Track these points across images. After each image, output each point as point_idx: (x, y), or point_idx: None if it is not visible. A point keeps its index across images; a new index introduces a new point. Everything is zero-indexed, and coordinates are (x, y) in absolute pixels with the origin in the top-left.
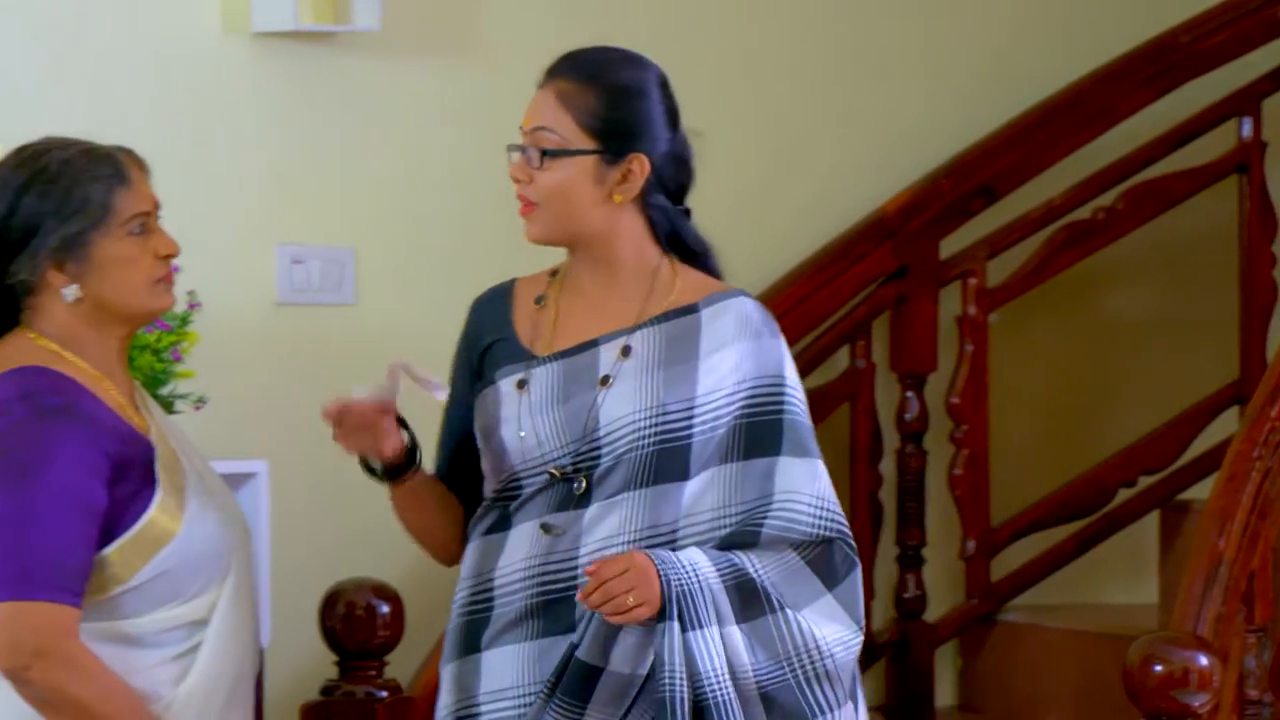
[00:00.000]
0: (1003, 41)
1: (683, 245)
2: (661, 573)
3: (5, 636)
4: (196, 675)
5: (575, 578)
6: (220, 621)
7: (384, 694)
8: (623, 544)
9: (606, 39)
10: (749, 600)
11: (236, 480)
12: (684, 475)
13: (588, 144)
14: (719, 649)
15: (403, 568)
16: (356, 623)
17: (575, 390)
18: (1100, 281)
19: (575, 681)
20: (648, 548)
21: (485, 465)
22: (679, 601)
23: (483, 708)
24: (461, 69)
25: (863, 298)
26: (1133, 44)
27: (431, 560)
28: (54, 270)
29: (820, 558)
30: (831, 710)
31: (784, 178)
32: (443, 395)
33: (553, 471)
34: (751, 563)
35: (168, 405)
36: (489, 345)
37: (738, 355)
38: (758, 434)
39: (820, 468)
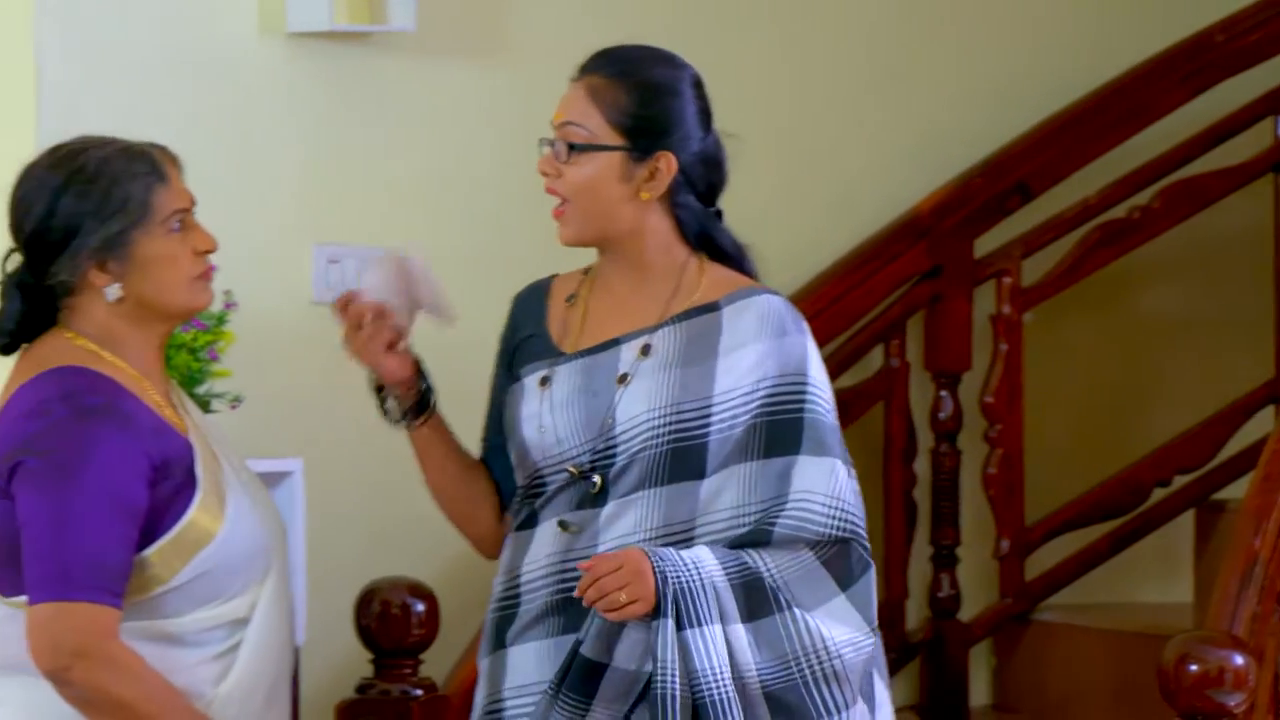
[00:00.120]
0: (1037, 40)
1: (715, 247)
2: (657, 570)
3: (46, 638)
4: (237, 674)
5: None
6: (261, 620)
7: (419, 692)
8: (638, 541)
9: (640, 39)
10: (756, 599)
11: (272, 479)
12: (700, 474)
13: (615, 140)
14: (719, 647)
15: (437, 566)
16: (391, 621)
17: (595, 388)
18: (1135, 280)
19: (580, 678)
20: (663, 546)
21: (513, 460)
22: (676, 599)
23: (507, 703)
24: (497, 69)
25: (897, 297)
26: (1168, 43)
27: (466, 558)
28: (95, 270)
29: (835, 558)
30: (839, 711)
31: (818, 177)
32: (443, 318)
33: (571, 469)
34: (764, 562)
35: (204, 404)
36: (521, 340)
37: (758, 353)
38: (778, 432)
39: (838, 467)
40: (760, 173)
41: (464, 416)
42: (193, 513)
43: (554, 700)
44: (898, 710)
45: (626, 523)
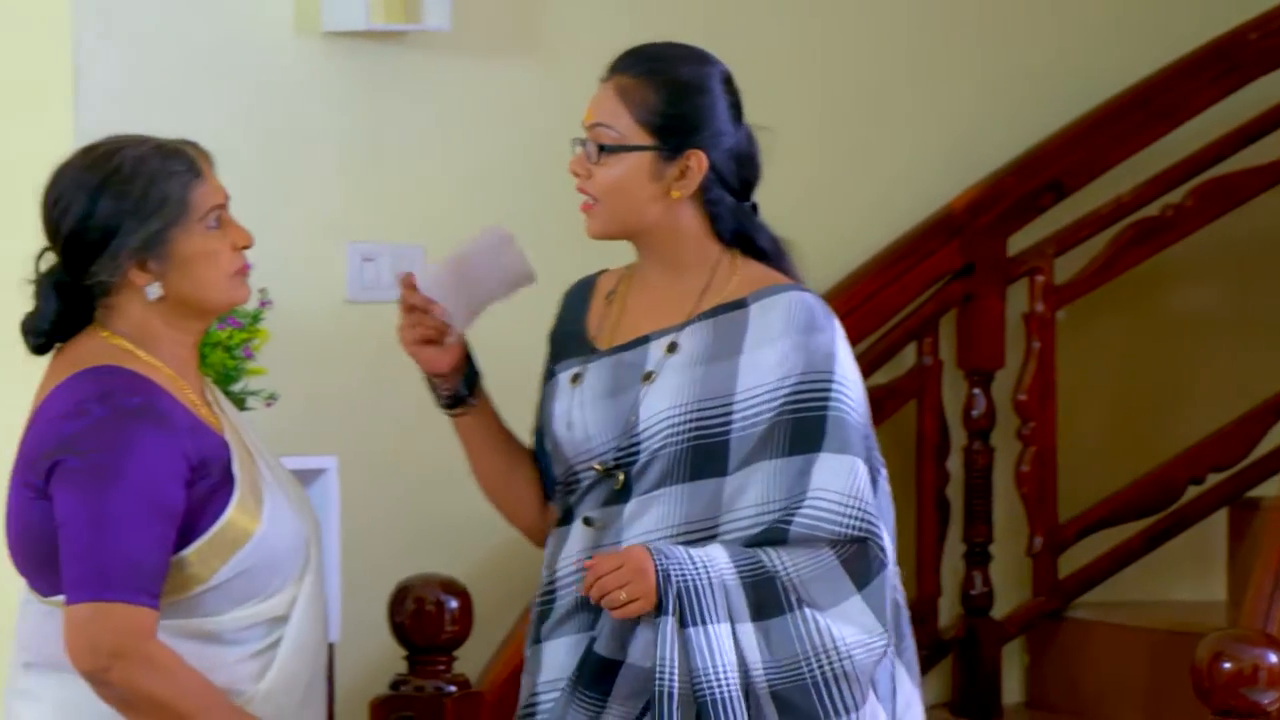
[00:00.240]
0: (1070, 38)
1: (752, 244)
2: (660, 568)
3: (84, 639)
4: (276, 671)
5: None
6: (299, 618)
7: (453, 689)
8: (660, 539)
9: (674, 37)
10: (766, 598)
11: (307, 476)
12: (722, 471)
13: (645, 140)
14: (724, 646)
15: (471, 563)
16: (425, 618)
17: (622, 386)
18: (1168, 278)
19: (595, 675)
20: (685, 543)
21: (550, 456)
22: (679, 597)
23: (540, 697)
24: (532, 68)
25: (930, 295)
26: (1201, 41)
27: (500, 555)
28: (136, 269)
29: (854, 557)
30: (848, 712)
31: (851, 175)
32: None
33: (597, 467)
34: (780, 560)
35: (239, 402)
36: (563, 336)
37: (783, 350)
38: (801, 430)
39: (858, 465)
40: (793, 171)
41: (514, 408)
42: (230, 512)
43: (571, 697)
44: (930, 708)
45: (649, 520)
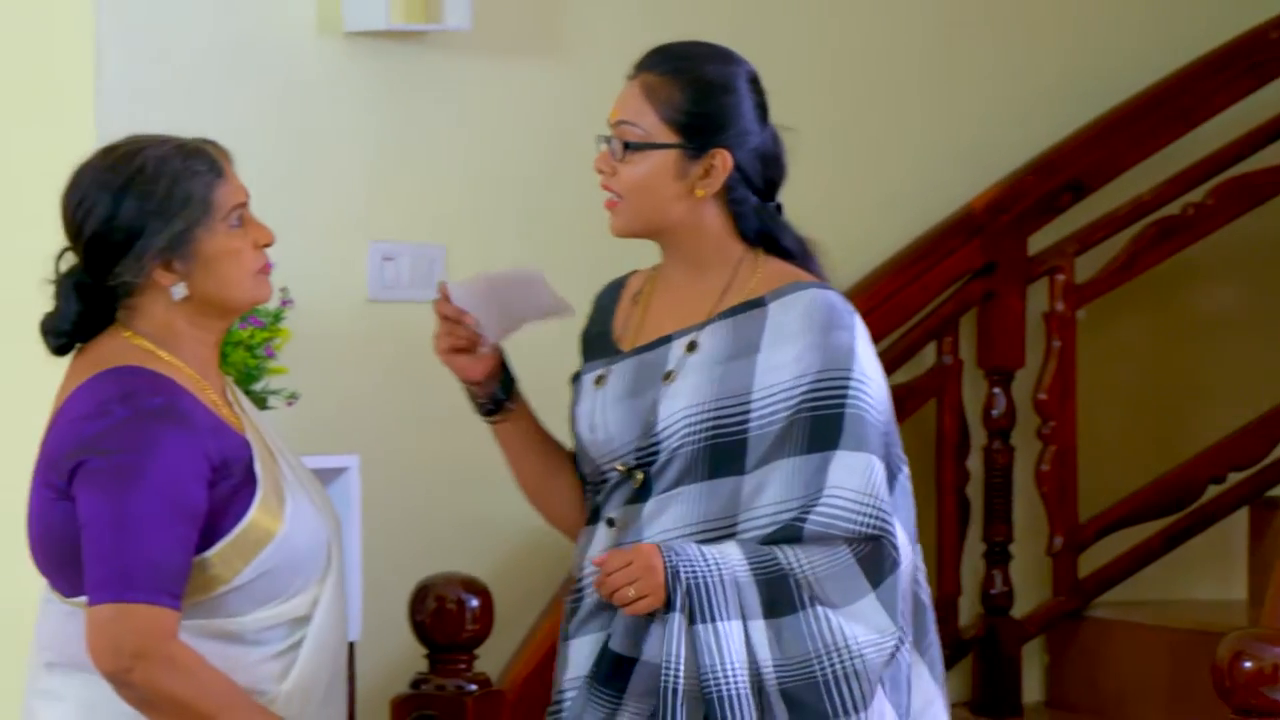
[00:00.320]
0: (1090, 37)
1: (776, 243)
2: (669, 565)
3: (106, 640)
4: (299, 671)
5: None
6: (321, 618)
7: (473, 687)
8: (679, 537)
9: (694, 37)
10: (779, 596)
11: (328, 475)
12: (740, 470)
13: (669, 138)
14: (735, 643)
15: (492, 562)
16: (446, 616)
17: (643, 386)
18: (1189, 277)
19: (610, 672)
20: (703, 541)
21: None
22: (689, 594)
23: (565, 694)
24: (552, 67)
25: (950, 294)
26: (1222, 40)
27: (521, 554)
28: (161, 270)
29: (870, 555)
30: (856, 711)
31: (871, 174)
32: (552, 317)
33: (619, 467)
34: (796, 558)
35: (260, 401)
36: (591, 338)
37: (801, 348)
38: (819, 427)
39: (874, 463)
40: (812, 171)
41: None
42: (253, 513)
43: (588, 694)
44: (950, 707)
45: (668, 519)
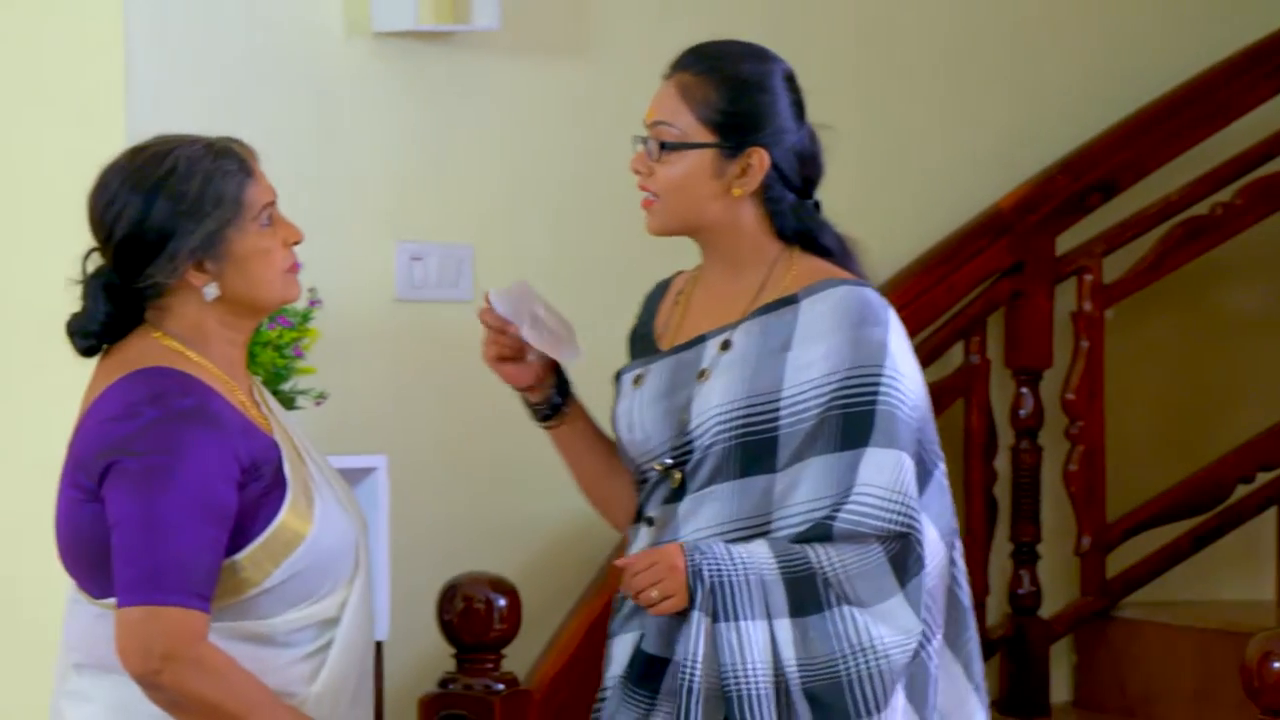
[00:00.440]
0: (1118, 37)
1: (815, 242)
2: (691, 565)
3: (135, 642)
4: (328, 673)
5: None
6: (349, 619)
7: (501, 687)
8: (712, 536)
9: (721, 36)
10: (806, 595)
11: (356, 475)
12: (772, 468)
13: (706, 137)
14: (757, 642)
15: (520, 561)
16: (474, 616)
17: (678, 386)
18: (1217, 277)
19: (643, 672)
20: (736, 540)
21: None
22: (712, 592)
23: (607, 691)
24: (580, 67)
25: (978, 293)
26: (1250, 40)
27: (548, 554)
28: (193, 270)
29: (900, 554)
30: (878, 710)
31: (899, 174)
32: (568, 356)
33: (657, 466)
34: (827, 556)
35: (289, 401)
36: (635, 338)
37: (832, 345)
38: (850, 425)
39: (904, 460)
40: (838, 171)
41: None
42: (283, 515)
43: (622, 694)
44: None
45: (702, 517)
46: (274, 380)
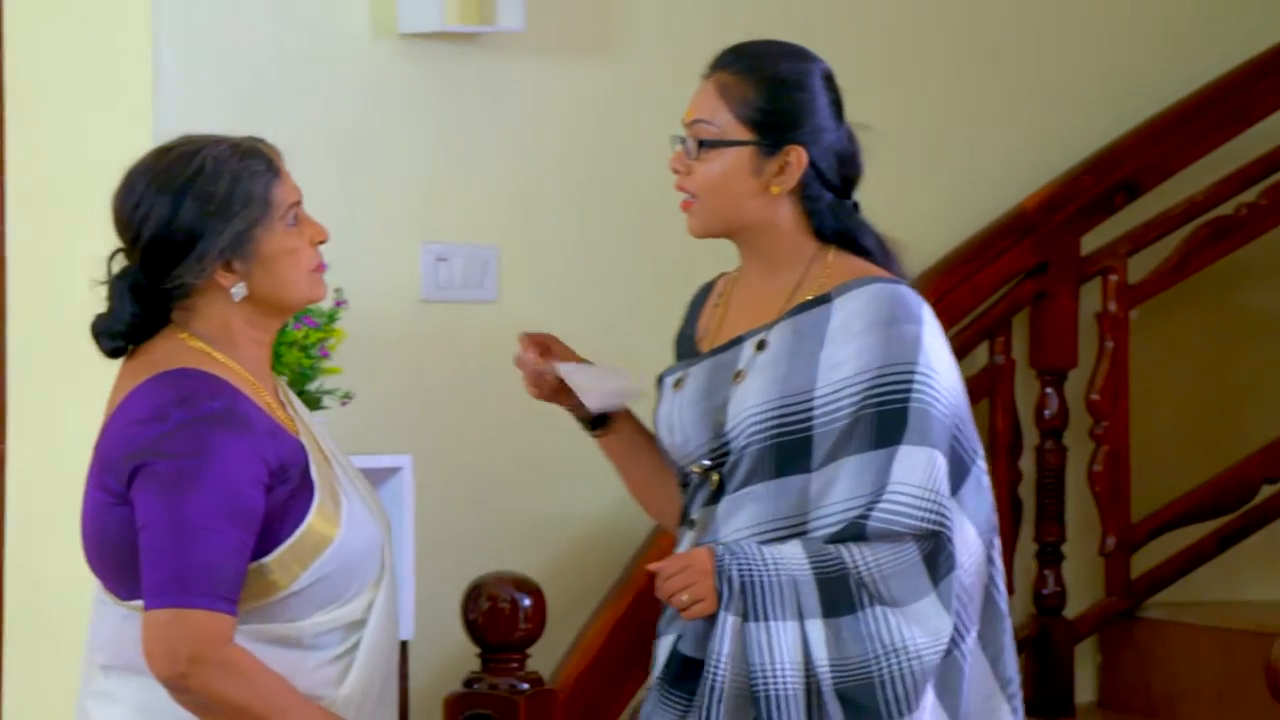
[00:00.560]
0: (1142, 38)
1: (854, 242)
2: (720, 568)
3: (163, 645)
4: (355, 676)
5: None
6: (375, 621)
7: (526, 686)
8: (749, 537)
9: (749, 36)
10: (839, 595)
11: (381, 475)
12: (807, 468)
13: (744, 135)
14: (787, 643)
15: (545, 561)
16: (499, 616)
17: (716, 387)
18: (1242, 278)
19: (679, 673)
20: (772, 540)
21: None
22: (742, 593)
23: (650, 692)
24: (606, 68)
25: (1002, 294)
26: (1276, 39)
27: (573, 553)
28: (222, 271)
29: (932, 553)
30: (910, 710)
31: (923, 175)
32: (623, 397)
33: (696, 468)
34: (861, 556)
35: (315, 401)
36: (680, 341)
37: (864, 343)
38: (884, 422)
39: (936, 458)
40: (867, 171)
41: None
42: (311, 518)
43: (659, 695)
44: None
45: (741, 518)
46: (300, 380)
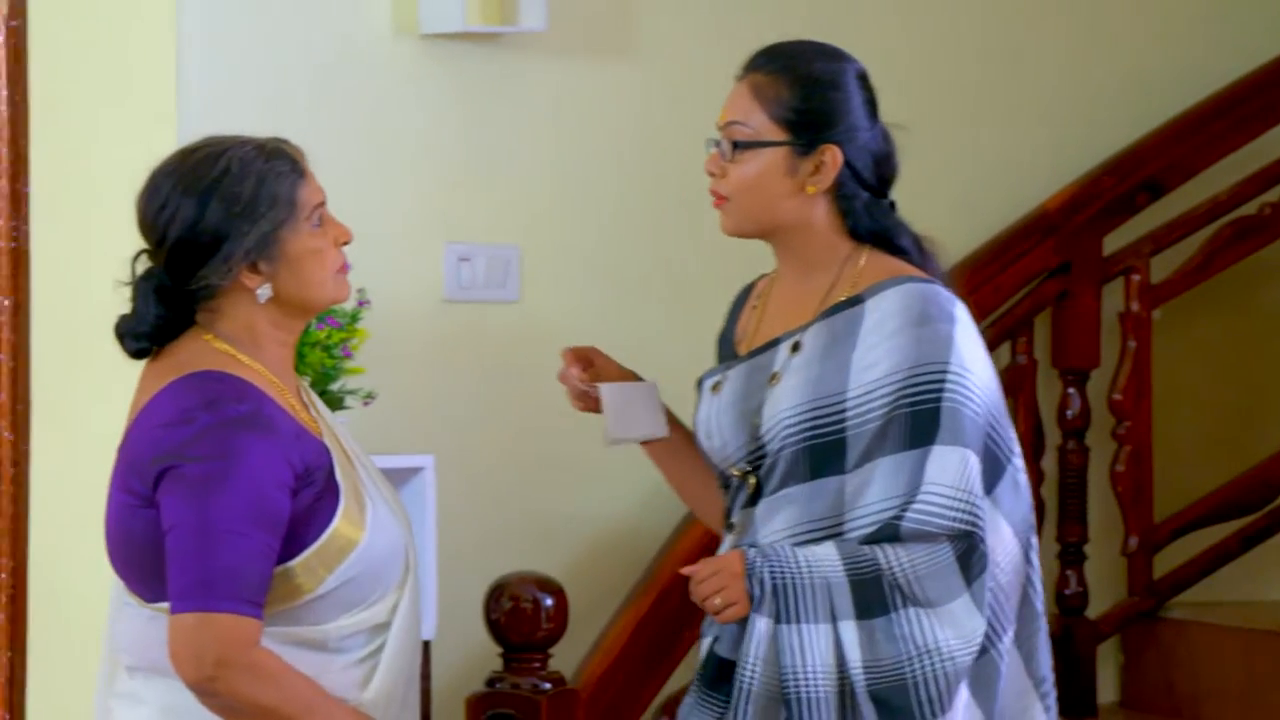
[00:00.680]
0: (1164, 37)
1: (891, 242)
2: (751, 571)
3: (190, 649)
4: (380, 679)
5: None
6: (400, 623)
7: (548, 686)
8: (786, 539)
9: (770, 37)
10: (872, 597)
11: (403, 475)
12: (841, 469)
13: (779, 135)
14: (819, 646)
15: (567, 561)
16: (521, 615)
17: (752, 390)
18: (1265, 278)
19: (715, 674)
20: (809, 542)
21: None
22: (774, 595)
23: (692, 691)
24: (627, 68)
25: (1025, 294)
26: None
27: (595, 553)
28: (248, 272)
29: (965, 553)
30: (943, 711)
31: (946, 175)
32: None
33: (734, 472)
34: (896, 557)
35: (337, 401)
36: (720, 343)
37: (894, 344)
38: (917, 423)
39: (969, 458)
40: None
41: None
42: (337, 522)
43: (697, 697)
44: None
45: (778, 520)
46: (323, 380)
